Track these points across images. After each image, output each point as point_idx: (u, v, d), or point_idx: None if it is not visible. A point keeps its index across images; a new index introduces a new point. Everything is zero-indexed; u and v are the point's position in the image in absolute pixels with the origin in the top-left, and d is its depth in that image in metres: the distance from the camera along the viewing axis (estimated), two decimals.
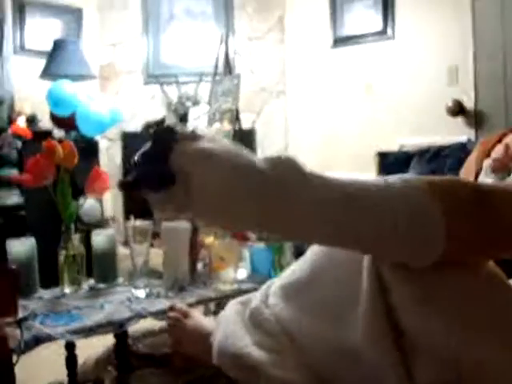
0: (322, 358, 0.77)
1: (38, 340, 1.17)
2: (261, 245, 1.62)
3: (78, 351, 1.54)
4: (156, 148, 0.69)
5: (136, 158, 0.70)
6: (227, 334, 0.92)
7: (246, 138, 4.17)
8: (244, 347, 0.86)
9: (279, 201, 0.65)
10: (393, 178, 0.72)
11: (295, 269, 0.90)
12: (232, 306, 0.99)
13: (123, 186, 0.70)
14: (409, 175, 0.73)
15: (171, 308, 1.24)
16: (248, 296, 1.00)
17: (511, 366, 0.69)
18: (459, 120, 3.64)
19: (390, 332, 0.73)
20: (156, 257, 1.79)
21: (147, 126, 2.84)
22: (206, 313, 1.59)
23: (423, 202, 0.68)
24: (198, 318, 1.19)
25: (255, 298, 0.94)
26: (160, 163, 0.67)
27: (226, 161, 0.65)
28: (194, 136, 0.68)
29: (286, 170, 0.66)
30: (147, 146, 0.70)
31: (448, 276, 0.71)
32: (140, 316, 1.36)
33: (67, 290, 1.58)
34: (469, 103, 3.61)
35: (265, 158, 0.67)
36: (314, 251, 0.88)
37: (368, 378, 0.74)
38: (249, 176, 0.64)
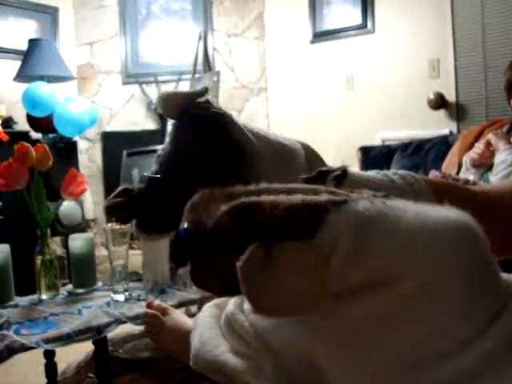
0: (296, 365, 0.74)
1: (12, 350, 1.12)
2: None
3: (57, 356, 1.49)
4: None
5: None
6: (203, 340, 0.89)
7: None
8: (220, 355, 0.84)
9: None
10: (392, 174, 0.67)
11: None
12: (208, 309, 0.96)
13: None
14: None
15: (149, 305, 1.21)
16: (225, 298, 0.97)
17: None
18: (441, 113, 3.64)
19: None
20: (136, 259, 1.75)
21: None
22: (188, 315, 1.56)
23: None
24: (177, 315, 1.16)
25: (231, 302, 0.91)
26: None
27: None
28: None
29: None
30: None
31: None
32: (119, 321, 1.32)
33: (44, 296, 1.53)
34: (450, 96, 3.61)
35: None
36: None
37: None
38: None
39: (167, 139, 0.60)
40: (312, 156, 0.75)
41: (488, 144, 2.07)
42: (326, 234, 0.48)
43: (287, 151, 0.69)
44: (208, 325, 0.91)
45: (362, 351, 0.51)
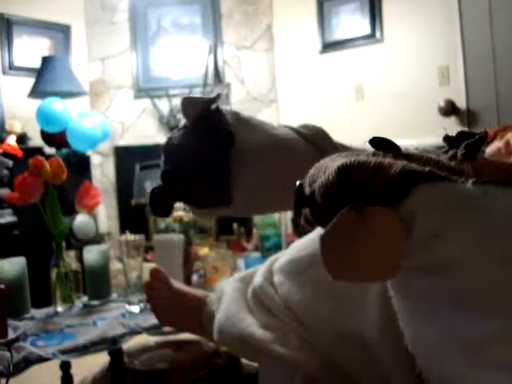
0: (328, 340, 0.74)
1: (29, 361, 1.13)
2: (256, 254, 1.59)
3: (73, 369, 1.50)
4: None
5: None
6: (228, 314, 0.87)
7: None
8: (246, 327, 0.82)
9: None
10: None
11: (305, 242, 0.84)
12: (232, 283, 0.93)
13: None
14: None
15: (155, 271, 1.16)
16: (247, 272, 0.95)
17: None
18: (452, 120, 3.63)
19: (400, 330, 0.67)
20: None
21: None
22: None
23: None
24: (181, 285, 1.12)
25: (258, 276, 0.89)
26: None
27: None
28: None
29: None
30: None
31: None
32: (134, 332, 1.33)
33: (60, 308, 1.55)
34: (461, 103, 3.60)
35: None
36: None
37: (374, 365, 0.70)
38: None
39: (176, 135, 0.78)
40: (320, 139, 0.86)
41: (507, 144, 2.06)
42: (409, 204, 0.50)
43: (279, 139, 0.79)
44: (233, 299, 0.89)
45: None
